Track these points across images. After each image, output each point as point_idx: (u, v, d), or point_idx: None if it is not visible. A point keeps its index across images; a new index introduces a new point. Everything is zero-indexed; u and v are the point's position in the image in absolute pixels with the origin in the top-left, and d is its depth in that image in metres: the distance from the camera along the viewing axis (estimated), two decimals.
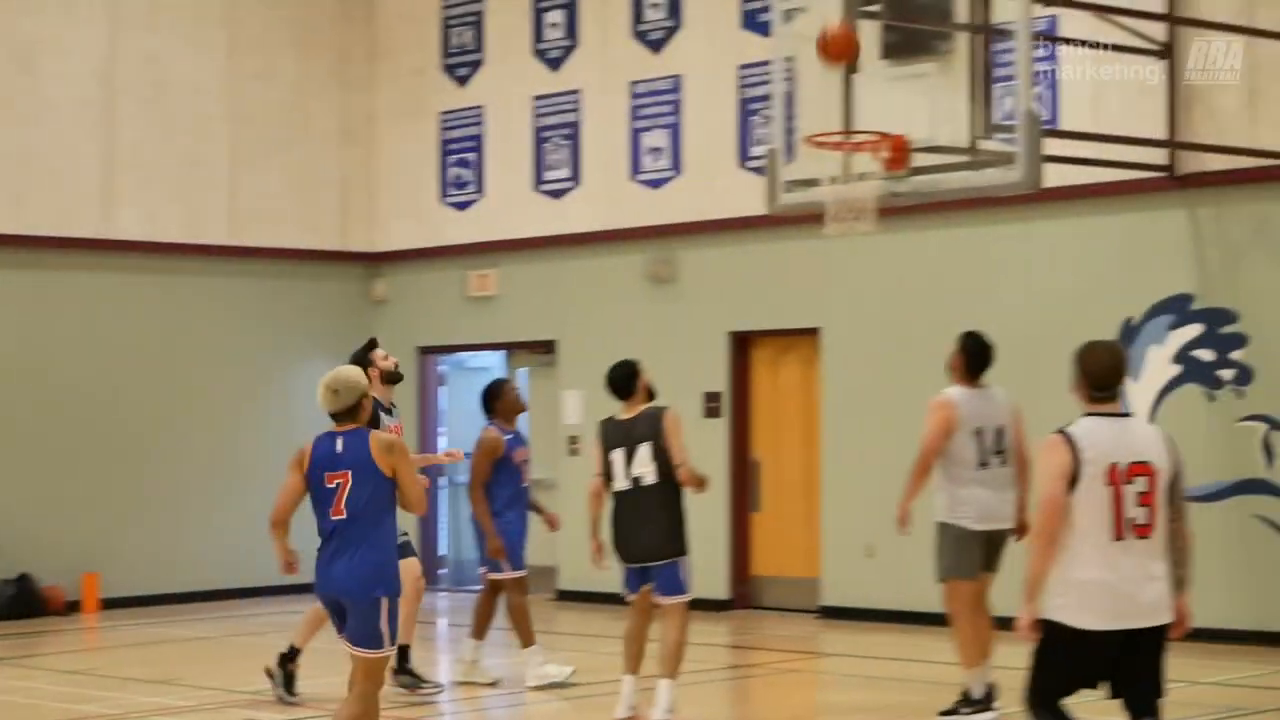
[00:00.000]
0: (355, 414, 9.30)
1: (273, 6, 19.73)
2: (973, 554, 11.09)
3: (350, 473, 9.19)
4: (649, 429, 11.23)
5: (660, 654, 11.24)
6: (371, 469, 9.18)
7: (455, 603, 19.28)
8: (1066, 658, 7.43)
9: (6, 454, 18.08)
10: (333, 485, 9.22)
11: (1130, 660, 7.48)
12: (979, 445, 11.12)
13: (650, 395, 11.53)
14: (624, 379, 11.47)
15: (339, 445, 9.27)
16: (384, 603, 9.12)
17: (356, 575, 9.10)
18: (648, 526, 11.17)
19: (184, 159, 19.12)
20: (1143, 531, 7.42)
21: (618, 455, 11.26)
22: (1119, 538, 7.37)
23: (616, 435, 11.31)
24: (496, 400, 13.19)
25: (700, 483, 11.22)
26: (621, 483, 11.25)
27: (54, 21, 18.41)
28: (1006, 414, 11.36)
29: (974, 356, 11.36)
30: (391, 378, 12.57)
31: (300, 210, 19.92)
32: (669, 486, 11.18)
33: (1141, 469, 7.43)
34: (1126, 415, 7.63)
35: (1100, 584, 7.37)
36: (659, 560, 11.22)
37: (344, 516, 9.17)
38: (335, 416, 9.33)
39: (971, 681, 11.06)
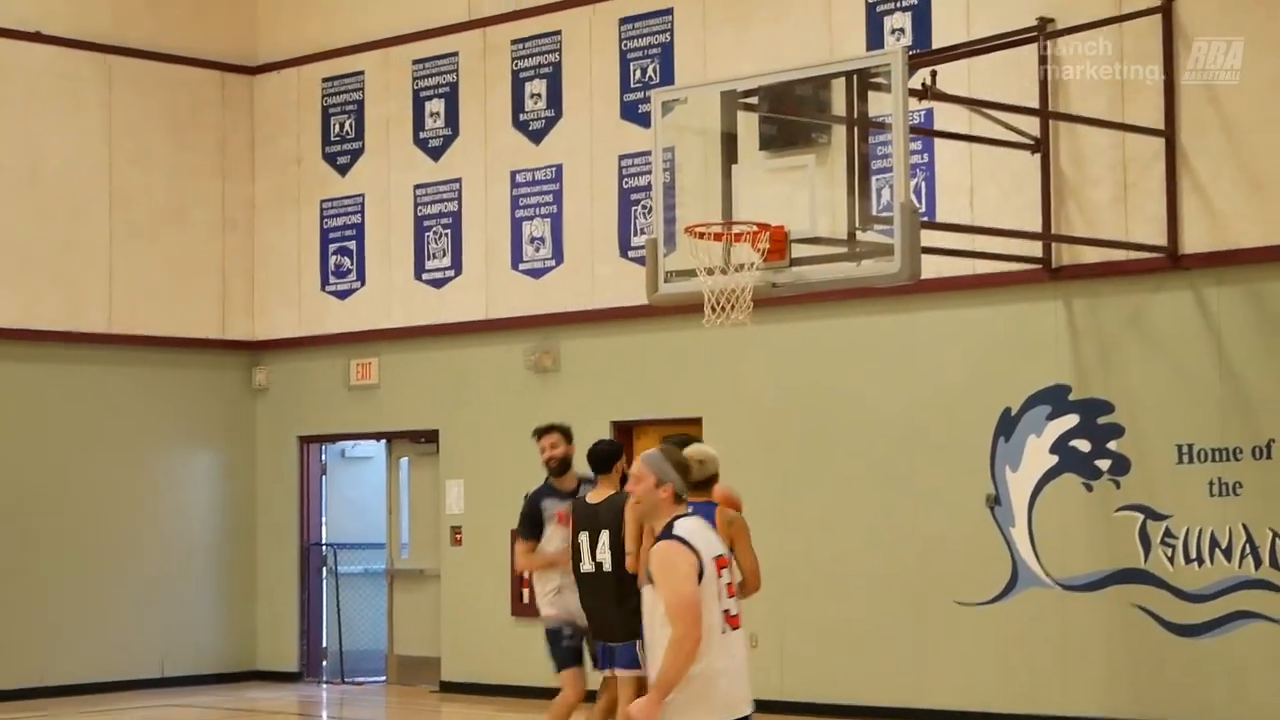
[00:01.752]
0: (710, 486, 10.50)
1: (151, 93, 19.59)
2: None
3: None
4: (611, 517, 11.37)
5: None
6: None
7: (341, 695, 19.06)
8: None
9: None
10: None
11: None
12: None
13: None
14: (603, 456, 11.65)
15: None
16: None
17: None
18: (604, 610, 11.43)
19: (61, 244, 18.91)
20: (735, 622, 7.59)
21: (584, 538, 11.51)
22: (724, 630, 7.51)
23: (584, 518, 11.53)
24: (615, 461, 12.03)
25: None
26: (586, 565, 11.50)
27: None
28: None
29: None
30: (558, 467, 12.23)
31: (180, 297, 19.72)
32: (627, 574, 11.21)
33: (724, 561, 7.62)
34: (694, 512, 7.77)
35: (723, 676, 7.46)
36: (614, 643, 11.44)
37: None
38: (693, 486, 9.95)
39: None
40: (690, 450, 10.46)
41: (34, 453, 18.72)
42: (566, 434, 12.34)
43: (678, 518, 7.55)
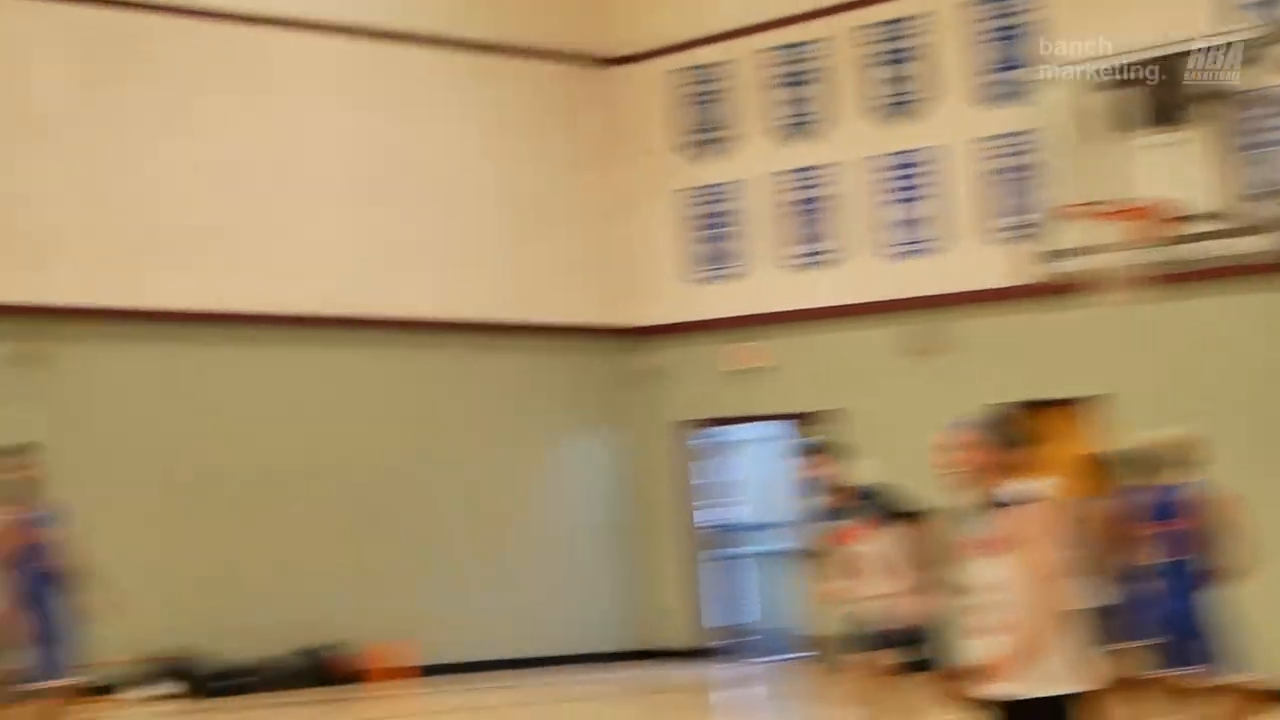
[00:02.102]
0: (1170, 471, 11.06)
1: (520, 89, 20.05)
2: None
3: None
4: None
5: None
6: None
7: (763, 671, 19.30)
8: None
9: (313, 528, 18.48)
10: None
11: None
12: None
13: None
14: None
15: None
16: None
17: None
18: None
19: (454, 239, 19.54)
20: None
21: None
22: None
23: None
24: None
25: None
26: None
27: (324, 108, 18.98)
28: None
29: None
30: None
31: (563, 286, 20.23)
32: None
33: None
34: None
35: (1083, 644, 7.21)
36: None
37: None
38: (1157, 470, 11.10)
39: None
40: (1164, 436, 11.14)
41: (439, 439, 19.41)
42: (828, 451, 11.81)
43: (1019, 482, 7.17)
